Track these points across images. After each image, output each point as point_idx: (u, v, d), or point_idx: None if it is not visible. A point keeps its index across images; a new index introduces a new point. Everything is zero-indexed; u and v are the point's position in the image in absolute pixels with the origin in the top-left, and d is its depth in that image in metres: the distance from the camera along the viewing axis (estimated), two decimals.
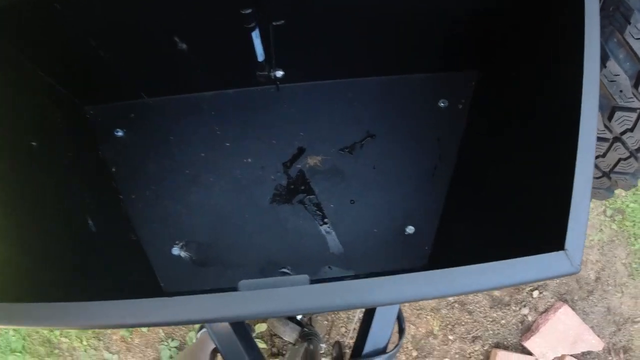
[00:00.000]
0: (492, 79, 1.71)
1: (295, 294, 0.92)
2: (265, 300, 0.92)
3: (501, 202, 1.32)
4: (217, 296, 0.93)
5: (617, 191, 2.41)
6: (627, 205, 2.42)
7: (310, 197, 1.79)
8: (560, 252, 0.89)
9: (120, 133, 1.83)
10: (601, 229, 2.41)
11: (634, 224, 2.40)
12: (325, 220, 1.77)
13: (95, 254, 1.46)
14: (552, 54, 1.23)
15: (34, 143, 1.36)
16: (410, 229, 1.74)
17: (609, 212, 2.41)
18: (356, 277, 1.68)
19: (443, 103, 1.83)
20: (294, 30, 1.56)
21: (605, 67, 1.22)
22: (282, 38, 1.58)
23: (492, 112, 1.65)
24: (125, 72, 1.69)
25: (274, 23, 1.52)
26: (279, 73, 1.59)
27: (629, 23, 1.17)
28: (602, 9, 1.23)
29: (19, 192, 1.25)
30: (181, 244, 1.75)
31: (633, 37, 1.17)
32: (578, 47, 1.02)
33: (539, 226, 1.04)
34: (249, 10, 1.28)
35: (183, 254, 1.75)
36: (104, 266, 1.47)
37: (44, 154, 1.40)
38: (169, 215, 1.77)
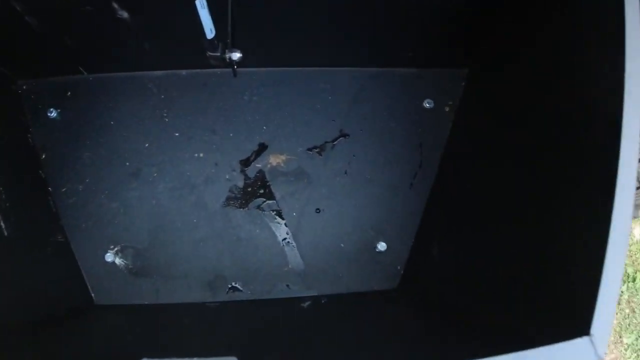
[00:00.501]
0: (486, 79, 1.48)
1: None
2: None
3: (495, 239, 1.10)
4: None
5: None
6: None
7: (270, 202, 1.55)
8: (585, 338, 0.66)
9: (53, 114, 1.55)
10: None
11: None
12: (286, 230, 1.54)
13: (7, 263, 1.20)
14: (574, 50, 0.99)
15: None
16: (381, 246, 1.52)
17: None
18: (317, 298, 1.45)
19: (428, 104, 1.59)
20: (258, 2, 1.30)
21: None
22: (243, 11, 1.31)
23: (484, 118, 1.42)
24: (59, 43, 1.41)
25: None
26: (236, 55, 1.32)
27: None
28: None
29: None
30: (116, 249, 1.50)
31: None
32: (616, 39, 0.78)
33: (549, 294, 0.81)
34: None
35: (118, 260, 1.50)
36: (20, 276, 1.22)
37: None
38: (104, 215, 1.52)
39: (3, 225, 1.24)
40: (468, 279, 1.17)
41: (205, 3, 1.12)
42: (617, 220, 0.68)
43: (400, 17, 1.38)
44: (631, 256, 2.27)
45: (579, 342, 0.63)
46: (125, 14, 1.33)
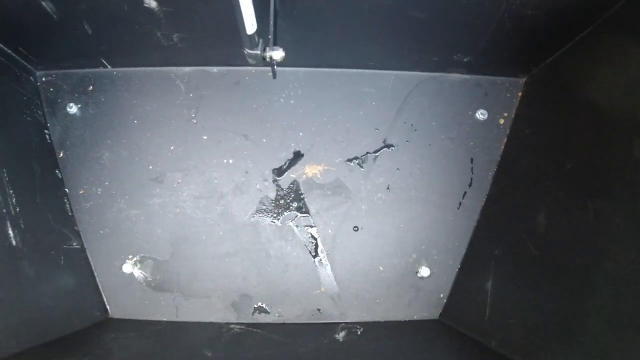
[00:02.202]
0: (546, 90, 1.31)
1: None
2: None
3: (572, 280, 0.94)
4: None
5: None
6: None
7: (304, 217, 1.41)
8: None
9: (73, 109, 1.43)
10: None
11: None
12: (320, 249, 1.40)
13: (12, 277, 1.08)
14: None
15: None
16: (424, 271, 1.38)
17: None
18: (352, 328, 1.31)
19: (481, 115, 1.43)
20: None
21: None
22: (287, 5, 1.16)
23: (544, 133, 1.26)
24: (80, 31, 1.28)
25: None
26: (278, 54, 1.17)
27: None
28: None
29: None
30: (135, 259, 1.38)
31: None
32: None
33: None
34: None
35: (137, 272, 1.38)
36: (24, 294, 1.10)
37: None
38: (123, 221, 1.40)
39: (11, 235, 1.13)
40: (527, 327, 1.02)
41: None
42: None
43: (460, 18, 1.22)
44: None
45: None
46: (152, 3, 1.19)
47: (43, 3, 1.17)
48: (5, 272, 1.08)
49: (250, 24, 1.05)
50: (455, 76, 1.44)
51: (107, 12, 1.20)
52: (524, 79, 1.43)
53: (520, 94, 1.44)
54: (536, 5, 1.11)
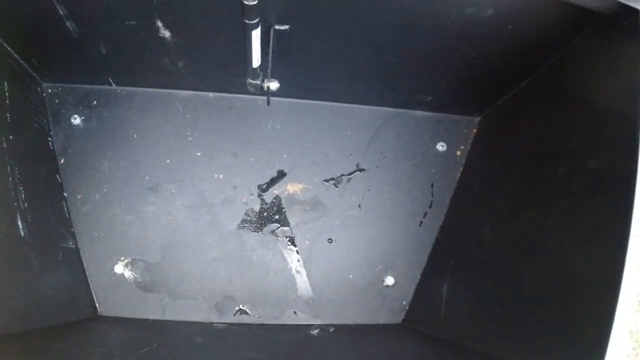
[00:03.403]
0: (495, 129, 1.59)
1: None
2: None
3: (508, 279, 1.17)
4: None
5: None
6: None
7: (284, 228, 1.59)
8: None
9: (77, 120, 1.58)
10: None
11: None
12: (298, 257, 1.58)
13: (20, 265, 1.19)
14: (585, 112, 1.11)
15: None
16: (389, 280, 1.58)
17: None
18: (324, 328, 1.48)
19: (441, 147, 1.69)
20: (298, 40, 1.38)
21: None
22: (283, 46, 1.39)
23: (493, 165, 1.52)
24: (94, 51, 1.45)
25: (276, 27, 1.33)
26: (274, 85, 1.40)
27: None
28: None
29: None
30: (127, 261, 1.51)
31: None
32: (631, 111, 0.89)
33: (561, 327, 0.89)
34: (254, 2, 1.08)
35: (127, 273, 1.50)
36: (30, 279, 1.21)
37: None
38: (118, 226, 1.53)
39: (20, 226, 1.24)
40: (476, 318, 1.23)
41: (259, 35, 1.19)
42: (630, 262, 0.76)
43: (425, 64, 1.49)
44: None
45: None
46: (167, 33, 1.38)
47: (67, 22, 1.34)
48: (16, 259, 1.19)
49: (256, 60, 1.27)
50: (419, 113, 1.71)
51: (124, 36, 1.39)
52: (478, 118, 1.71)
53: (475, 130, 1.71)
54: (486, 56, 1.39)
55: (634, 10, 1.03)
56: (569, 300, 0.91)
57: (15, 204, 1.25)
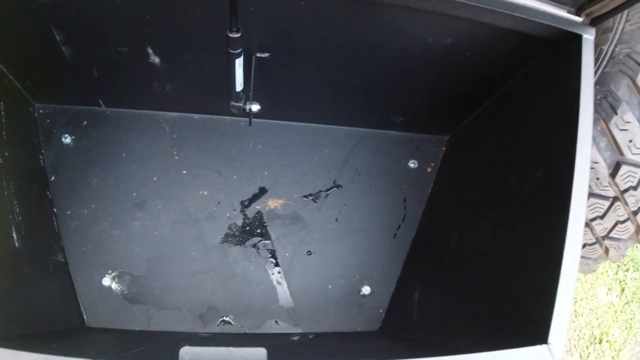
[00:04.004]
0: (462, 146, 1.74)
1: None
2: None
3: (470, 279, 1.29)
4: None
5: None
6: None
7: (266, 242, 1.69)
8: (543, 346, 0.85)
9: (67, 139, 1.67)
10: None
11: (576, 302, 2.49)
12: (278, 269, 1.67)
13: (14, 273, 1.26)
14: (535, 129, 1.26)
15: None
16: (365, 290, 1.68)
17: None
18: (304, 336, 1.56)
19: (413, 164, 1.83)
20: (277, 66, 1.51)
21: None
22: (264, 71, 1.52)
23: (460, 179, 1.66)
24: (87, 74, 1.56)
25: (258, 54, 1.47)
26: (255, 107, 1.52)
27: (616, 113, 1.23)
28: None
29: None
30: (114, 274, 1.58)
31: (617, 127, 1.23)
32: (566, 135, 1.04)
33: (515, 313, 1.01)
34: (237, 35, 1.21)
35: (114, 285, 1.57)
36: (22, 288, 1.27)
37: None
38: (105, 240, 1.60)
39: (15, 237, 1.32)
40: (443, 316, 1.34)
41: (242, 62, 1.32)
42: (568, 254, 0.90)
43: (394, 88, 1.64)
44: (597, 318, 2.51)
45: (539, 349, 0.82)
46: (157, 59, 1.50)
47: (63, 47, 1.44)
48: (11, 268, 1.26)
49: (239, 84, 1.40)
50: (392, 133, 1.85)
51: (116, 61, 1.50)
52: (447, 137, 1.85)
53: (444, 148, 1.86)
54: (449, 80, 1.54)
55: (578, 35, 1.20)
56: (520, 292, 1.03)
57: (11, 217, 1.32)
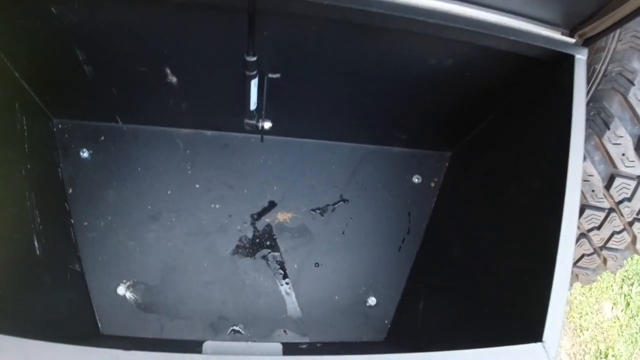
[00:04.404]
0: (464, 162, 1.82)
1: None
2: None
3: (472, 287, 1.35)
4: (180, 357, 0.86)
5: None
6: (575, 297, 2.54)
7: (275, 254, 1.75)
8: (538, 344, 0.91)
9: (85, 154, 1.75)
10: None
11: (581, 316, 2.51)
12: (287, 280, 1.73)
13: (35, 279, 1.33)
14: (531, 144, 1.33)
15: None
16: (372, 301, 1.73)
17: None
18: (312, 345, 1.61)
19: (417, 179, 1.90)
20: (288, 86, 1.61)
21: None
22: (275, 91, 1.61)
23: (462, 193, 1.73)
24: (106, 92, 1.65)
25: (270, 75, 1.56)
26: (267, 124, 1.61)
27: (608, 129, 1.31)
28: None
29: None
30: (128, 283, 1.64)
31: (610, 142, 1.31)
32: (560, 149, 1.11)
33: (513, 315, 1.06)
34: (254, 58, 1.30)
35: (129, 294, 1.63)
36: (42, 294, 1.34)
37: (4, 158, 1.31)
38: (121, 251, 1.67)
39: (36, 245, 1.39)
40: (446, 324, 1.40)
41: (257, 82, 1.41)
42: (560, 261, 0.97)
43: (397, 107, 1.73)
44: (603, 332, 2.54)
45: (534, 347, 0.88)
46: (174, 79, 1.60)
47: (85, 66, 1.54)
48: (32, 275, 1.32)
49: (253, 103, 1.49)
50: (396, 149, 1.93)
51: (135, 80, 1.59)
52: (449, 153, 1.93)
53: (447, 164, 1.93)
54: (450, 99, 1.63)
55: (570, 55, 1.29)
56: (518, 297, 1.09)
57: (33, 225, 1.40)
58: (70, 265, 1.58)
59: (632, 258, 2.69)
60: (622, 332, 2.55)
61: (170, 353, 0.84)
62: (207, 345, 0.89)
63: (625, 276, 2.66)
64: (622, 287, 2.63)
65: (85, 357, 0.82)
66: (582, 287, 2.55)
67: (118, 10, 1.31)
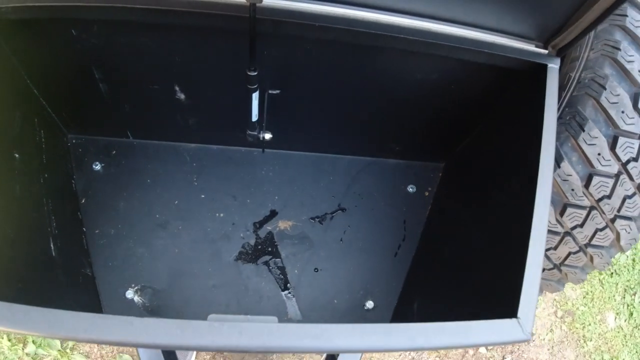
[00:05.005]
0: (455, 172, 1.93)
1: (263, 331, 0.96)
2: (233, 334, 0.95)
3: (459, 281, 1.43)
4: (186, 323, 0.96)
5: (567, 293, 2.59)
6: (577, 308, 2.58)
7: (276, 260, 1.85)
8: (513, 319, 0.99)
9: (98, 167, 1.88)
10: (552, 329, 2.53)
11: (584, 327, 2.54)
12: (288, 285, 1.81)
13: (52, 277, 1.43)
14: (512, 149, 1.44)
15: (16, 155, 1.40)
16: (369, 304, 1.81)
17: (559, 314, 2.55)
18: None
19: (411, 188, 2.01)
20: (287, 102, 1.75)
21: (559, 167, 1.44)
22: (276, 107, 1.75)
23: (454, 200, 1.83)
24: (119, 109, 1.79)
25: (270, 91, 1.70)
26: (268, 135, 1.74)
27: (583, 130, 1.42)
28: (560, 117, 1.48)
29: None
30: (137, 287, 1.74)
31: (586, 142, 1.41)
32: (535, 151, 1.23)
33: (494, 298, 1.15)
34: (255, 73, 1.44)
35: (137, 298, 1.72)
36: (57, 292, 1.44)
37: (24, 168, 1.44)
38: (130, 257, 1.78)
39: (52, 248, 1.50)
40: (437, 315, 1.48)
41: (258, 96, 1.55)
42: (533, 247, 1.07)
43: (390, 120, 1.86)
44: (607, 343, 2.56)
45: (509, 322, 0.97)
46: (182, 96, 1.74)
47: (100, 84, 1.69)
48: (49, 273, 1.43)
49: (255, 115, 1.62)
50: (391, 160, 2.05)
51: (147, 97, 1.74)
52: (443, 164, 2.04)
53: (440, 174, 2.04)
54: (438, 111, 1.75)
55: (544, 65, 1.41)
56: (499, 282, 1.18)
57: (49, 229, 1.51)
58: (82, 269, 1.68)
59: (633, 268, 2.73)
60: (627, 342, 2.56)
61: (179, 320, 0.93)
62: (211, 317, 0.99)
63: (627, 286, 2.70)
64: (624, 297, 2.66)
65: (102, 322, 0.91)
66: (584, 297, 2.59)
67: (133, 34, 1.47)
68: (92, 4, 1.29)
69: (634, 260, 2.78)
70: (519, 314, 1.01)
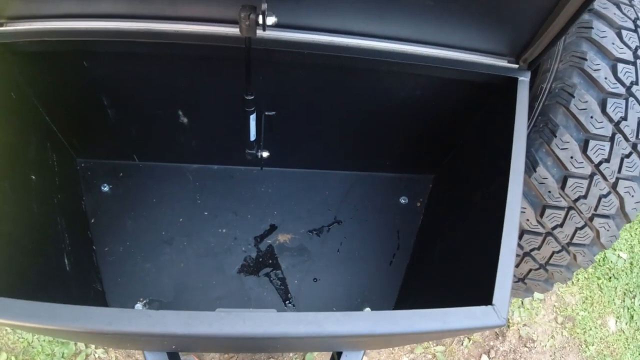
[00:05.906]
0: (444, 182, 2.06)
1: (264, 319, 1.07)
2: (237, 322, 1.07)
3: (448, 278, 1.55)
4: (195, 313, 1.08)
5: (567, 299, 2.66)
6: (577, 313, 2.65)
7: (277, 271, 1.96)
8: (489, 306, 1.11)
9: (106, 188, 2.03)
10: (553, 336, 2.59)
11: (585, 332, 2.61)
12: (289, 295, 1.92)
13: (66, 290, 1.56)
14: (491, 157, 1.57)
15: (33, 177, 1.55)
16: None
17: (559, 320, 2.62)
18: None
19: (404, 200, 2.13)
20: (282, 122, 1.90)
21: (535, 171, 1.56)
22: (272, 127, 1.90)
23: (444, 208, 1.95)
24: (126, 133, 1.94)
25: (266, 113, 1.85)
26: (265, 153, 1.89)
27: (555, 136, 1.54)
28: (534, 126, 1.62)
29: (13, 214, 1.40)
30: (145, 301, 1.85)
31: (559, 147, 1.54)
32: (507, 160, 1.37)
33: (475, 290, 1.26)
34: (251, 97, 1.60)
35: None
36: (76, 301, 1.55)
37: (40, 189, 1.58)
38: (138, 272, 1.90)
39: (66, 262, 1.63)
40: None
41: (255, 118, 1.70)
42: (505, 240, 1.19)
43: (379, 136, 2.00)
44: (609, 346, 2.62)
45: (485, 308, 1.09)
46: (185, 120, 1.90)
47: (108, 110, 1.84)
48: (63, 286, 1.56)
49: (253, 134, 1.77)
50: (383, 174, 2.18)
51: (152, 122, 1.90)
52: (432, 176, 2.18)
53: (431, 185, 2.17)
54: (423, 127, 1.90)
55: (515, 78, 1.56)
56: (479, 274, 1.30)
57: (63, 245, 1.65)
58: (93, 284, 1.81)
59: (631, 271, 2.81)
60: (629, 345, 2.62)
61: (190, 311, 1.05)
62: (218, 310, 1.11)
63: (626, 289, 2.77)
64: (624, 301, 2.73)
65: (125, 315, 1.03)
66: (583, 302, 2.66)
67: (139, 63, 1.63)
68: (103, 38, 1.46)
69: (631, 263, 2.86)
70: (494, 301, 1.13)
